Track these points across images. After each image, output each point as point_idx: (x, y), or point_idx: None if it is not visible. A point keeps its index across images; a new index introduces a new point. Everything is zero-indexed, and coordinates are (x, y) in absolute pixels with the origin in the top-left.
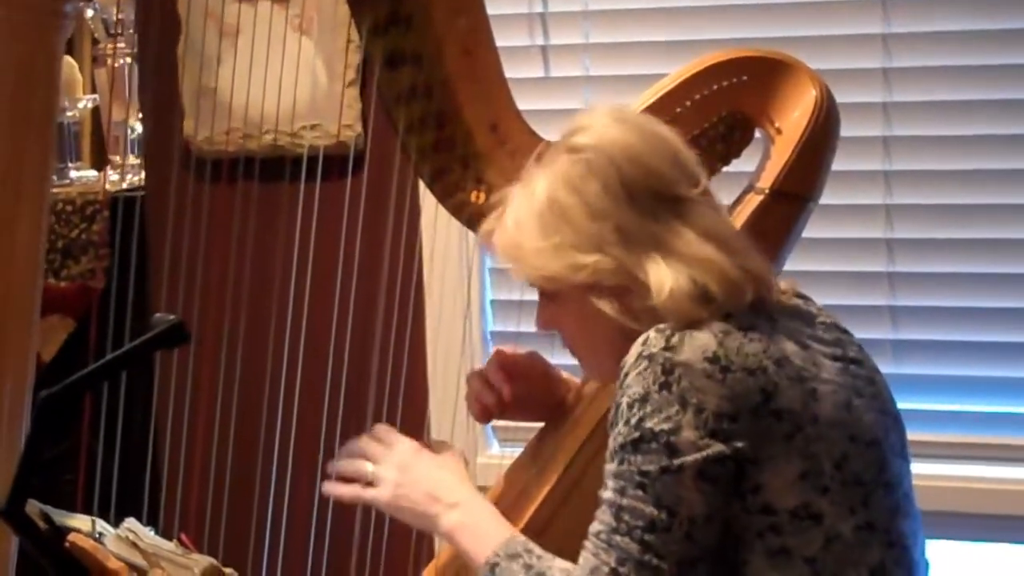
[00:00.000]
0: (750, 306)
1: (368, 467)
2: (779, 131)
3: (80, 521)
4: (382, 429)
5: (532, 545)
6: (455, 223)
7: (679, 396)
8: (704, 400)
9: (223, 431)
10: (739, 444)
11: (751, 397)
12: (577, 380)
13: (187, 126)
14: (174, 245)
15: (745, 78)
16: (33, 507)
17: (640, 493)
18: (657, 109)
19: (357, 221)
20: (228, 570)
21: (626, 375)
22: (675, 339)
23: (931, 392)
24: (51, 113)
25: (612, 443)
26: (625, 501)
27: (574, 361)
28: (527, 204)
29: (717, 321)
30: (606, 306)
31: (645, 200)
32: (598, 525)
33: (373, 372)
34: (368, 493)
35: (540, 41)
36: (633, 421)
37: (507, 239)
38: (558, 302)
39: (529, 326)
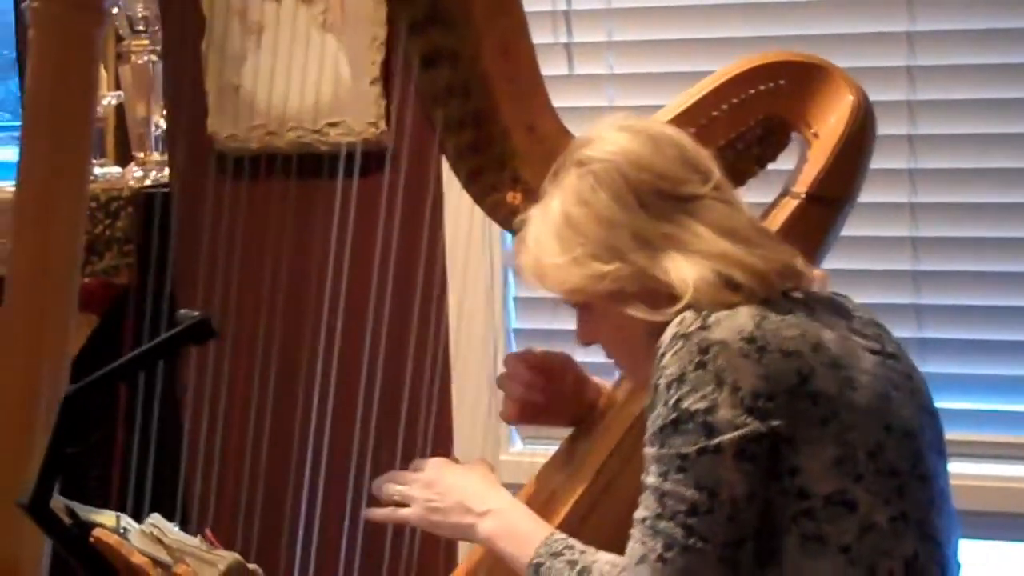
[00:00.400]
0: (785, 295)
1: (397, 488)
2: (816, 135)
3: (105, 517)
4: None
5: (572, 541)
6: (479, 219)
7: (715, 375)
8: (740, 379)
9: (248, 426)
10: (776, 423)
11: (787, 378)
12: (608, 384)
13: (211, 123)
14: (198, 242)
15: (782, 82)
16: (58, 503)
17: (681, 476)
18: (694, 112)
19: (381, 218)
20: (252, 566)
21: (662, 355)
22: (711, 319)
23: (956, 391)
24: (89, 106)
25: (651, 426)
26: (667, 486)
27: (600, 359)
28: (544, 222)
29: (753, 305)
30: (635, 311)
31: (655, 203)
32: (643, 511)
33: (397, 368)
34: (400, 513)
35: (564, 39)
36: (671, 402)
37: (528, 259)
38: (591, 314)
39: (552, 323)
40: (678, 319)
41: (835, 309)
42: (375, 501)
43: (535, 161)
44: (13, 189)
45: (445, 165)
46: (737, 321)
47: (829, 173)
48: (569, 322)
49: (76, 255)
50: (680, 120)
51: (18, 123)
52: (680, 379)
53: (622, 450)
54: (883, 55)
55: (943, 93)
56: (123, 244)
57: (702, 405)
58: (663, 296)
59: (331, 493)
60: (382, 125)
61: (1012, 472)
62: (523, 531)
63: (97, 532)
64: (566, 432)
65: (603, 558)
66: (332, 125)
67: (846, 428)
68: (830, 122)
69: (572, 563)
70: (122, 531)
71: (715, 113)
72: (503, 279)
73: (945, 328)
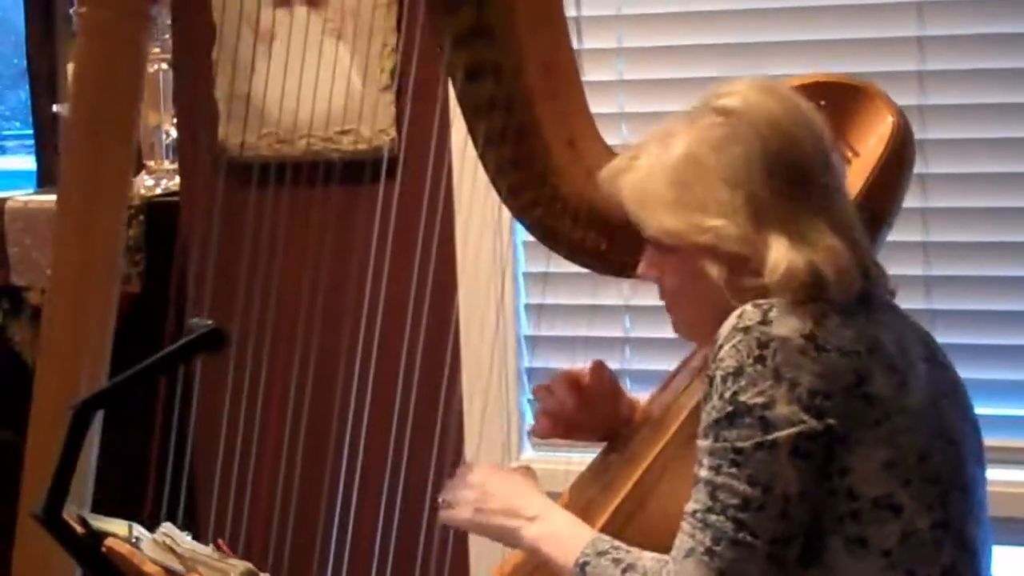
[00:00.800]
0: (854, 296)
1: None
2: (856, 155)
3: (117, 526)
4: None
5: (617, 542)
6: (490, 227)
7: (773, 370)
8: (798, 375)
9: (257, 435)
10: (832, 422)
11: (844, 377)
12: (640, 398)
13: (222, 131)
14: (210, 250)
15: (823, 103)
16: (70, 512)
17: (734, 471)
18: None
19: (392, 225)
20: (265, 575)
21: (720, 347)
22: (772, 314)
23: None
24: (134, 111)
25: (706, 418)
26: (720, 479)
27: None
28: (664, 155)
29: (817, 303)
30: (715, 272)
31: (782, 177)
32: (694, 504)
33: (405, 375)
34: (448, 515)
35: (574, 45)
36: (727, 395)
37: (637, 185)
38: (668, 256)
39: (564, 330)
40: (739, 311)
41: (896, 313)
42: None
43: (575, 178)
44: (27, 198)
45: (456, 172)
46: (797, 319)
47: (869, 192)
48: (579, 329)
49: (117, 260)
50: None
51: (29, 131)
52: (738, 373)
53: (658, 464)
54: (893, 60)
55: (954, 98)
56: (134, 253)
57: (760, 400)
58: (749, 270)
59: (335, 500)
60: (393, 132)
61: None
62: (567, 534)
63: (109, 542)
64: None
65: (648, 555)
66: (343, 133)
67: (898, 431)
68: (870, 143)
69: (617, 561)
70: (134, 540)
71: None
72: (514, 286)
73: (958, 333)
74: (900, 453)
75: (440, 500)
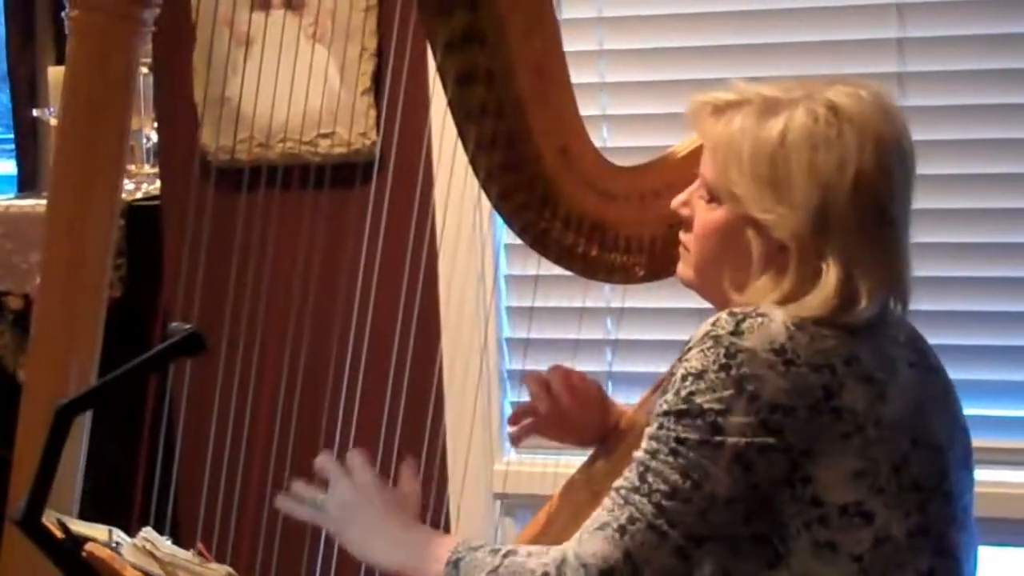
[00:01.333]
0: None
1: (318, 496)
2: None
3: (97, 531)
4: (354, 457)
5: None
6: (470, 230)
7: (736, 380)
8: (761, 389)
9: (238, 438)
10: (790, 438)
11: (811, 393)
12: (628, 408)
13: (202, 135)
14: (190, 254)
15: None
16: (50, 516)
17: (671, 459)
18: None
19: (373, 229)
20: None
21: (688, 349)
22: (745, 325)
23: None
24: (126, 116)
25: (657, 408)
26: (654, 464)
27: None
28: (763, 127)
29: (791, 315)
30: (757, 249)
31: (864, 198)
32: (622, 481)
33: (389, 379)
34: (315, 518)
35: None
36: (683, 393)
37: (725, 136)
38: (714, 206)
39: (544, 332)
40: (713, 319)
41: (883, 323)
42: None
43: (567, 184)
44: (8, 203)
45: (436, 176)
46: (770, 331)
47: None
48: (562, 332)
49: (107, 263)
50: (692, 158)
51: (10, 135)
52: (699, 375)
53: None
54: (873, 62)
55: (934, 99)
56: (115, 257)
57: (716, 406)
58: (779, 263)
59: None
60: (373, 136)
61: (1007, 478)
62: (436, 542)
63: (89, 546)
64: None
65: (523, 548)
66: (323, 136)
67: (870, 443)
68: None
69: (495, 551)
70: (114, 545)
71: None
72: (496, 289)
73: (943, 334)
74: (872, 464)
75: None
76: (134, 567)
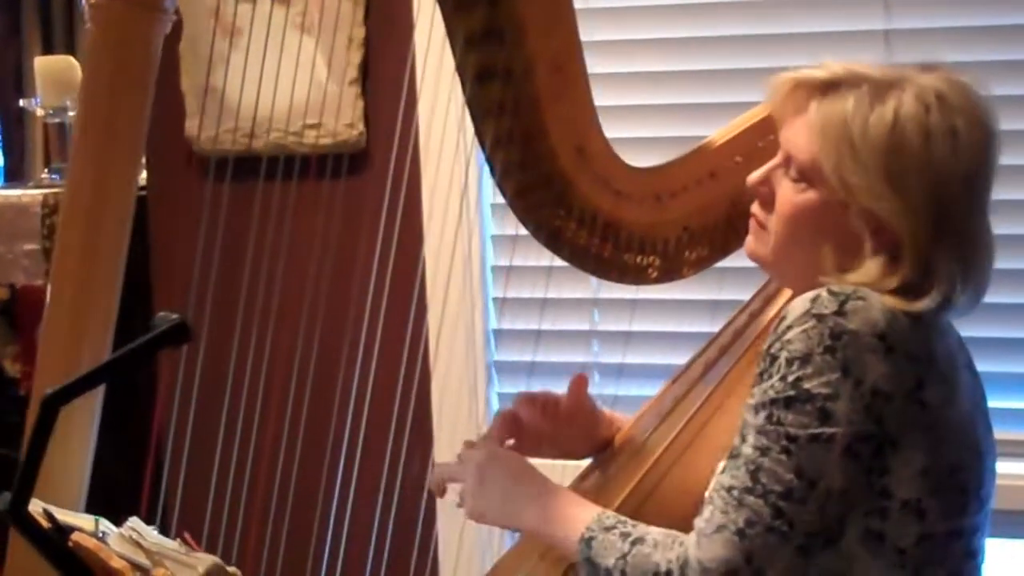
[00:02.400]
0: None
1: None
2: None
3: (84, 520)
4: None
5: (624, 518)
6: (458, 222)
7: (842, 363)
8: (865, 373)
9: (223, 428)
10: (888, 425)
11: (908, 381)
12: (623, 419)
13: (189, 125)
14: (177, 244)
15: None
16: (36, 506)
17: (783, 458)
18: (742, 141)
19: (359, 219)
20: (232, 569)
21: (788, 327)
22: (849, 306)
23: None
24: (144, 104)
25: (760, 395)
26: (766, 462)
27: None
28: (874, 109)
29: (890, 299)
30: (867, 237)
31: (970, 192)
32: (730, 480)
33: (372, 368)
34: (455, 475)
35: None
36: (791, 379)
37: (835, 119)
38: (807, 187)
39: (528, 322)
40: (813, 295)
41: (948, 321)
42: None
43: (582, 183)
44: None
45: (422, 167)
46: (871, 315)
47: None
48: (548, 323)
49: (123, 249)
50: (732, 145)
51: None
52: (806, 359)
53: (642, 488)
54: (861, 53)
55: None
56: None
57: (824, 391)
58: (899, 260)
59: (306, 494)
60: (360, 127)
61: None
62: (571, 513)
63: (76, 536)
64: None
65: (656, 529)
66: (310, 127)
67: (940, 441)
68: None
69: (625, 535)
70: (101, 535)
71: (760, 144)
72: (482, 280)
73: None
74: (937, 462)
75: (429, 487)
76: (120, 556)
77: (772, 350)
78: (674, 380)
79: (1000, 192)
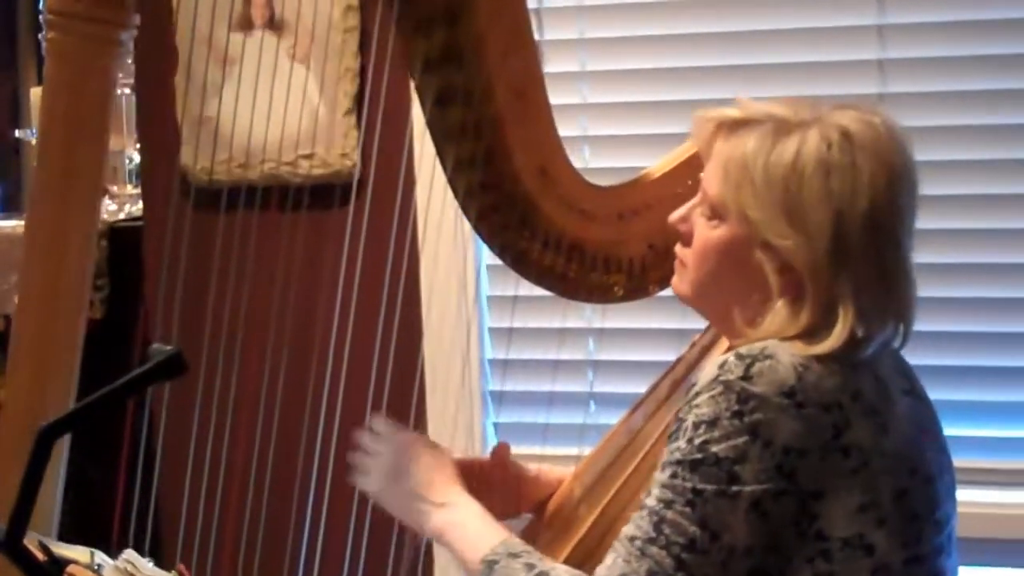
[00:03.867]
0: None
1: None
2: None
3: (79, 553)
4: (381, 423)
5: (531, 548)
6: (453, 252)
7: (750, 427)
8: (775, 434)
9: (218, 458)
10: (803, 480)
11: (822, 434)
12: (553, 475)
13: (185, 155)
14: (172, 275)
15: None
16: (32, 539)
17: (688, 510)
18: (682, 171)
19: (354, 250)
20: None
21: (697, 394)
22: (754, 369)
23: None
24: (103, 136)
25: (668, 456)
26: (669, 514)
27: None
28: (775, 147)
29: (800, 354)
30: (771, 274)
31: (875, 226)
32: (634, 530)
33: (368, 399)
34: (360, 482)
35: (535, 36)
36: (697, 441)
37: (736, 156)
38: (717, 224)
39: (525, 352)
40: (720, 362)
41: (880, 350)
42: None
43: (545, 205)
44: None
45: (417, 197)
46: (779, 375)
47: None
48: (541, 352)
49: (86, 285)
50: (692, 163)
51: None
52: (712, 423)
53: (590, 537)
54: (853, 49)
55: (914, 86)
56: (97, 278)
57: (731, 454)
58: (803, 301)
59: (303, 525)
60: (355, 157)
61: (990, 498)
62: (477, 529)
63: (71, 569)
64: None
65: (562, 567)
66: (305, 157)
67: (875, 475)
68: None
69: (529, 566)
70: (96, 567)
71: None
72: (478, 310)
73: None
74: (876, 496)
75: (350, 458)
76: None
77: (681, 414)
78: (627, 416)
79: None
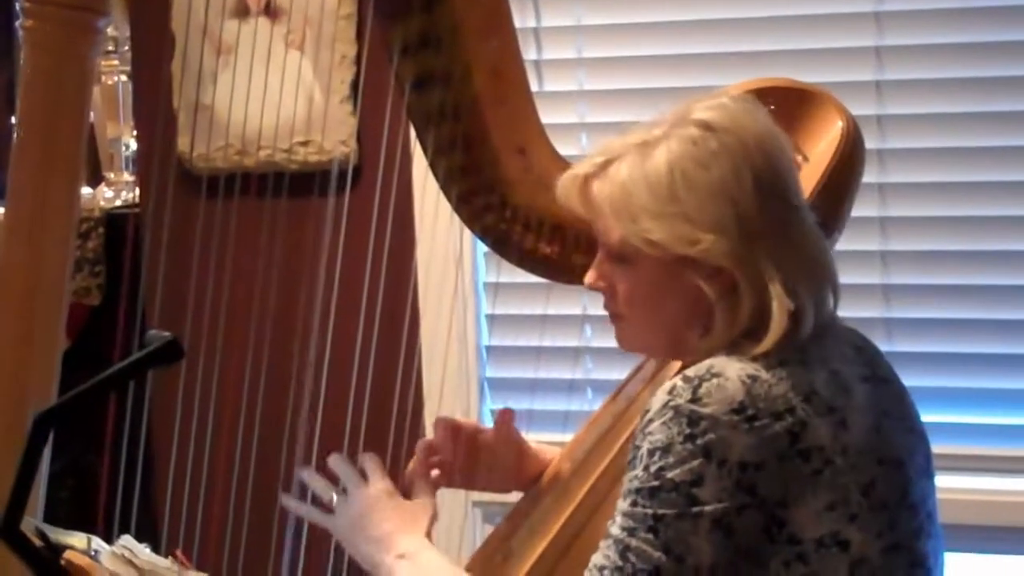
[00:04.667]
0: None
1: (333, 495)
2: (805, 159)
3: (76, 538)
4: (369, 461)
5: None
6: (450, 239)
7: (703, 448)
8: (729, 452)
9: (219, 446)
10: (763, 492)
11: (778, 443)
12: (551, 453)
13: (181, 143)
14: (169, 262)
15: (772, 107)
16: (28, 524)
17: (650, 537)
18: None
19: (352, 237)
20: None
21: (649, 421)
22: (702, 390)
23: (928, 403)
24: (82, 125)
25: (627, 484)
26: (633, 542)
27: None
28: (646, 165)
29: (746, 363)
30: (705, 283)
31: (768, 194)
32: (602, 559)
33: (367, 387)
34: (325, 519)
35: (534, 56)
36: (653, 469)
37: (616, 192)
38: (632, 266)
39: (519, 339)
40: (669, 387)
41: (831, 337)
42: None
43: (525, 185)
44: None
45: (415, 184)
46: (727, 393)
47: (818, 199)
48: (537, 340)
49: (65, 274)
50: None
51: None
52: (666, 449)
53: (579, 514)
54: (851, 70)
55: (911, 107)
56: (94, 265)
57: (688, 477)
58: (738, 294)
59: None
60: (352, 144)
61: (988, 485)
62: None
63: (68, 554)
64: None
65: None
66: (302, 144)
67: (839, 473)
68: (820, 148)
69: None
70: (93, 553)
71: None
72: (475, 297)
73: (916, 341)
74: (843, 493)
75: (320, 489)
76: (112, 575)
77: (636, 441)
78: (610, 399)
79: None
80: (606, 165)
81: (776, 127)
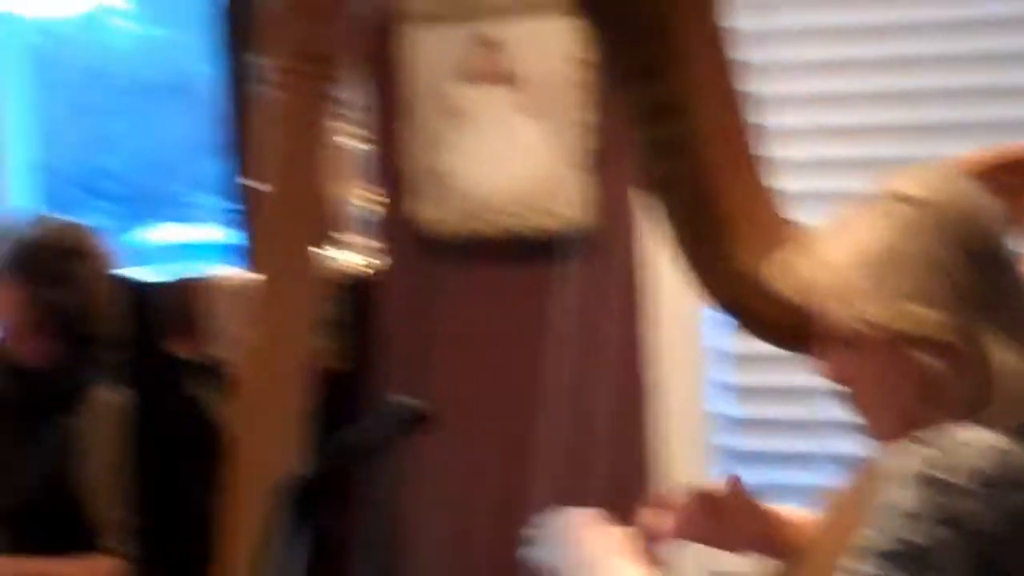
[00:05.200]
0: None
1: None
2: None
3: None
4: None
5: None
6: (686, 307)
7: (949, 518)
8: (980, 525)
9: (463, 514)
10: (1001, 566)
11: (1019, 514)
12: (789, 515)
13: (415, 207)
14: (407, 326)
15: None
16: None
17: None
18: None
19: (585, 303)
20: None
21: (893, 483)
22: (950, 459)
23: None
24: (317, 187)
25: (866, 543)
26: None
27: None
28: (856, 247)
29: (995, 433)
30: (934, 363)
31: (983, 262)
32: None
33: (599, 455)
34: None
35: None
36: (898, 534)
37: (830, 278)
38: (859, 352)
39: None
40: (913, 449)
41: None
42: None
43: (754, 248)
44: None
45: (650, 252)
46: (974, 461)
47: None
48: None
49: (306, 335)
50: None
51: (220, 201)
52: (913, 515)
53: None
54: None
55: None
56: (333, 328)
57: (930, 543)
58: (964, 364)
59: None
60: (588, 211)
61: None
62: None
63: None
64: None
65: None
66: (535, 210)
67: None
68: None
69: None
70: None
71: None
72: (709, 366)
73: None
74: None
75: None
76: None
77: (877, 502)
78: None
79: None
80: (813, 247)
81: (981, 194)
